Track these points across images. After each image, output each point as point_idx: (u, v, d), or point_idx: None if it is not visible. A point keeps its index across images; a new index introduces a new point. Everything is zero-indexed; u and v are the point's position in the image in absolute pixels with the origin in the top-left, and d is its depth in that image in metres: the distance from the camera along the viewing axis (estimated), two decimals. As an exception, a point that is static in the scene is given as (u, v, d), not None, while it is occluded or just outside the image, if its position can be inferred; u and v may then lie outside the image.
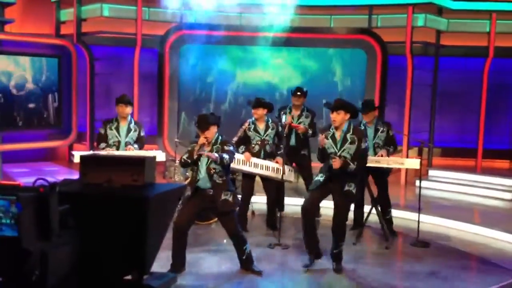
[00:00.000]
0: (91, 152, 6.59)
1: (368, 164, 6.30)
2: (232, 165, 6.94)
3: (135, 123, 6.89)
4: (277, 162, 6.98)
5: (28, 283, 2.79)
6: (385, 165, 6.70)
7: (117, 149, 6.65)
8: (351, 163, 5.45)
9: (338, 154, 5.49)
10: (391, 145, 6.99)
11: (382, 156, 6.81)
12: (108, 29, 11.54)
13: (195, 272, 5.52)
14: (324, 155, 5.56)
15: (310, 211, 5.66)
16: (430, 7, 10.92)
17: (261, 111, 6.95)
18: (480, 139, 11.22)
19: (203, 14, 10.54)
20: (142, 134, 6.88)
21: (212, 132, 5.40)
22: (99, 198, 3.18)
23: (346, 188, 5.53)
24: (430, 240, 6.88)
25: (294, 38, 10.50)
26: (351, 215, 7.09)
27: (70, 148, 11.60)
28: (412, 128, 10.72)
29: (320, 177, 5.65)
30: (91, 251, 3.09)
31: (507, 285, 5.55)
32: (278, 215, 6.91)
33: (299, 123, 7.62)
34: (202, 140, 5.37)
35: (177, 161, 7.70)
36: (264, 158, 7.01)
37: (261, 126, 7.02)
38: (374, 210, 6.86)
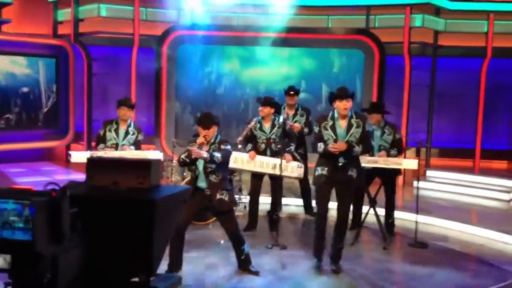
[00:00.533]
0: (88, 152, 6.56)
1: (366, 165, 6.30)
2: (237, 165, 6.97)
3: (135, 126, 6.87)
4: (285, 159, 6.93)
5: (39, 286, 2.82)
6: (382, 166, 6.68)
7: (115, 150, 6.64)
8: (356, 146, 5.47)
9: (346, 139, 5.49)
10: (395, 148, 6.90)
11: (381, 156, 6.79)
12: (106, 29, 11.53)
13: (191, 272, 5.49)
14: (319, 142, 5.55)
15: (325, 218, 5.66)
16: (428, 8, 10.93)
17: (268, 110, 6.94)
18: (478, 139, 11.23)
19: (200, 14, 10.54)
20: (140, 138, 6.85)
21: (213, 131, 5.39)
22: (106, 201, 3.20)
23: (349, 173, 5.54)
24: (428, 241, 6.86)
25: (292, 38, 10.49)
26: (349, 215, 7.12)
27: (67, 148, 11.59)
28: (410, 129, 10.72)
29: (322, 171, 5.58)
30: (99, 254, 3.11)
31: (505, 286, 5.54)
32: (276, 215, 6.88)
33: (295, 122, 7.61)
34: (201, 139, 5.36)
35: (175, 161, 7.68)
36: (271, 157, 6.98)
37: (267, 125, 7.00)
38: (371, 211, 6.84)
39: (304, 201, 7.99)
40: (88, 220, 3.00)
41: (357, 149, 5.49)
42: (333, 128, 5.55)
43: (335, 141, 5.48)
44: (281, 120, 7.10)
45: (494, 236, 7.24)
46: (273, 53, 10.60)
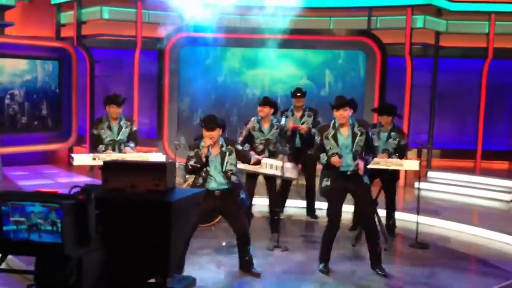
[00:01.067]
0: (90, 155, 6.59)
1: (371, 166, 6.32)
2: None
3: (126, 118, 6.86)
4: (281, 160, 6.97)
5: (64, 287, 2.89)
6: (384, 167, 6.71)
7: (113, 148, 6.65)
8: (369, 157, 5.59)
9: (352, 149, 5.52)
10: (397, 154, 6.85)
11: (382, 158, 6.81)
12: (108, 32, 11.57)
13: (194, 274, 5.52)
14: (320, 152, 5.60)
15: (337, 222, 5.66)
16: (429, 9, 10.95)
17: (268, 110, 6.95)
18: (479, 140, 11.24)
19: (203, 16, 10.57)
20: (134, 129, 6.84)
21: (217, 133, 5.35)
22: (123, 203, 3.25)
23: (365, 180, 5.62)
24: (429, 242, 6.88)
25: (294, 40, 10.51)
26: (350, 216, 7.16)
27: (70, 151, 11.62)
28: (411, 129, 10.74)
29: (327, 182, 5.59)
30: (116, 255, 3.17)
31: (506, 286, 5.56)
32: (276, 217, 6.90)
33: (302, 123, 7.64)
34: (208, 141, 5.30)
35: (177, 163, 7.70)
36: (268, 157, 7.01)
37: (265, 126, 7.02)
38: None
39: (307, 203, 8.01)
40: (106, 222, 3.06)
41: (370, 160, 5.63)
42: (335, 137, 5.56)
43: (337, 153, 5.49)
44: (282, 122, 7.14)
45: (495, 237, 7.26)
46: (275, 54, 10.62)
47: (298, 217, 8.03)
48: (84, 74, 11.50)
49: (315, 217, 7.92)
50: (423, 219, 7.54)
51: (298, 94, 7.69)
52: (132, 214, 3.20)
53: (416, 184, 8.70)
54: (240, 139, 6.99)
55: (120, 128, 6.73)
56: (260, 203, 7.82)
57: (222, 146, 5.43)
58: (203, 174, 5.41)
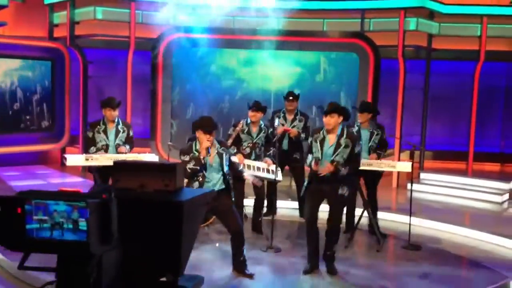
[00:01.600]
0: (83, 155, 6.57)
1: (360, 167, 6.35)
2: None
3: (123, 123, 6.88)
4: (266, 163, 7.00)
5: (85, 285, 2.96)
6: (377, 168, 6.75)
7: (106, 152, 6.65)
8: (342, 168, 5.48)
9: (332, 158, 5.53)
10: (383, 148, 7.04)
11: (372, 159, 6.86)
12: (101, 32, 11.55)
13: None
14: (308, 153, 5.67)
15: (313, 223, 5.67)
16: (422, 11, 11.00)
17: (260, 115, 6.99)
18: (471, 142, 11.32)
19: (196, 17, 10.58)
20: (131, 134, 6.88)
21: (214, 135, 5.42)
22: (134, 203, 3.29)
23: (340, 192, 5.56)
24: (421, 243, 6.91)
25: (287, 41, 10.54)
26: (344, 218, 7.17)
27: (63, 151, 11.58)
28: (404, 131, 10.78)
29: (307, 183, 5.68)
30: (129, 255, 3.25)
31: (497, 287, 5.60)
32: (271, 217, 6.91)
33: (293, 127, 7.65)
34: (206, 143, 5.34)
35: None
36: (254, 160, 7.03)
37: (254, 129, 7.05)
38: (365, 213, 6.90)
39: (299, 204, 8.02)
40: (118, 222, 3.10)
41: (344, 171, 5.49)
42: (322, 142, 5.58)
43: (318, 159, 5.51)
44: (276, 123, 7.15)
45: (487, 238, 7.31)
46: (269, 55, 10.64)
47: (291, 218, 8.04)
48: (77, 75, 11.47)
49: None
50: (416, 221, 7.59)
51: (291, 98, 7.69)
52: (144, 214, 3.27)
53: (408, 186, 8.73)
54: (230, 141, 6.98)
55: (117, 132, 6.75)
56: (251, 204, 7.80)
57: (217, 147, 5.48)
58: (200, 178, 5.42)
